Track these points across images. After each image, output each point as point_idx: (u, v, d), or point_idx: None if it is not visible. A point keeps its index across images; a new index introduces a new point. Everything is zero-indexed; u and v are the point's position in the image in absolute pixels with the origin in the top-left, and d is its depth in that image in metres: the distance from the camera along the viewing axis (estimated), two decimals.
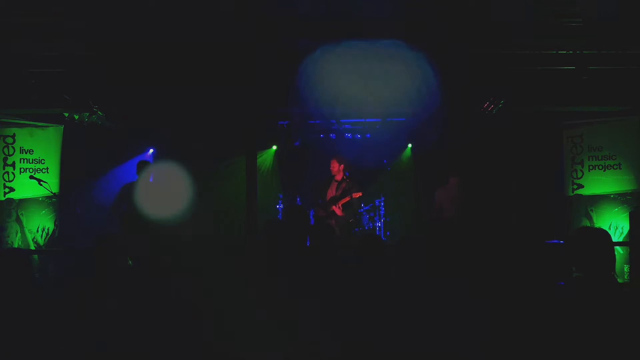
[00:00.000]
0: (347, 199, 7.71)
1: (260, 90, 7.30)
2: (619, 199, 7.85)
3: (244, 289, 3.21)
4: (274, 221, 4.29)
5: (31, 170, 7.83)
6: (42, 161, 8.00)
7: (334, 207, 7.70)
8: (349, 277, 3.60)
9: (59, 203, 8.05)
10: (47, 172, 7.98)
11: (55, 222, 8.03)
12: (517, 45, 6.92)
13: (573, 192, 8.16)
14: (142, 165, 7.26)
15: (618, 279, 7.09)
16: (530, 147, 8.43)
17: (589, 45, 6.90)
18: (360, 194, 7.93)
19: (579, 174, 8.12)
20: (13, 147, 7.85)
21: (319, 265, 3.73)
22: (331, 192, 7.82)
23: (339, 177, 7.81)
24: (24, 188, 7.82)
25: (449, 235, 7.18)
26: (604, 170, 7.96)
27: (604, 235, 3.04)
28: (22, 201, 7.85)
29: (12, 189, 7.81)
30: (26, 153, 7.92)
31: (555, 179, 8.45)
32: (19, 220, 7.82)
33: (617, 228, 7.76)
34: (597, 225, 7.81)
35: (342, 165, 7.83)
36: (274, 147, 10.08)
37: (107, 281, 3.64)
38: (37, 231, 7.92)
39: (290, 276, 3.42)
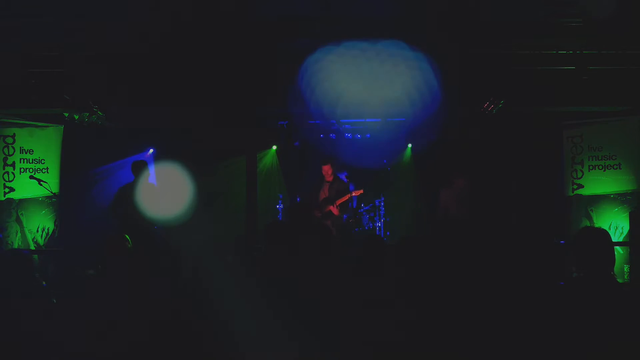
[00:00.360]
0: (347, 197, 7.74)
1: (261, 90, 7.30)
2: (619, 199, 7.84)
3: (244, 289, 3.21)
4: (274, 222, 4.29)
5: (31, 170, 7.83)
6: (42, 161, 8.00)
7: (330, 207, 7.70)
8: (350, 277, 3.60)
9: (59, 203, 8.04)
10: (47, 172, 7.97)
11: (55, 222, 8.02)
12: (517, 45, 6.93)
13: (573, 192, 8.16)
14: (138, 165, 7.24)
15: (618, 279, 7.10)
16: (530, 147, 8.43)
17: (589, 45, 6.91)
18: (361, 191, 7.95)
19: (579, 174, 8.12)
20: (13, 147, 7.85)
21: (319, 266, 3.73)
22: (324, 194, 7.82)
23: (330, 178, 7.82)
24: (24, 188, 7.82)
25: (456, 235, 7.18)
26: (604, 170, 7.96)
27: (604, 235, 3.04)
28: (22, 201, 7.85)
29: (12, 189, 7.81)
30: (26, 153, 7.91)
31: (555, 179, 8.45)
32: (19, 220, 7.82)
33: (617, 228, 7.76)
34: (597, 225, 7.80)
35: (334, 168, 7.88)
36: (274, 147, 10.08)
37: (111, 280, 3.64)
38: (37, 231, 7.91)
39: (290, 277, 3.43)
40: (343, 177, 8.96)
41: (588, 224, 7.85)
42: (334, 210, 7.68)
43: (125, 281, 3.65)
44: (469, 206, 7.42)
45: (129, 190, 7.13)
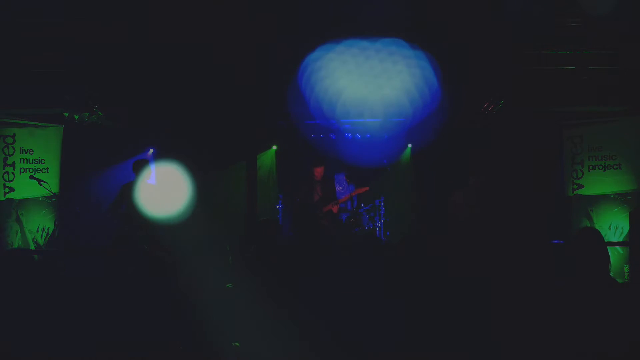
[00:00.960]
0: (351, 194, 7.81)
1: (260, 89, 7.30)
2: (619, 199, 7.84)
3: (243, 289, 3.21)
4: (267, 221, 4.26)
5: (31, 170, 7.82)
6: (42, 161, 7.99)
7: (332, 206, 7.70)
8: (347, 277, 3.60)
9: (59, 203, 8.04)
10: (47, 172, 7.97)
11: (55, 222, 8.02)
12: (517, 45, 6.93)
13: (573, 192, 8.15)
14: (140, 164, 7.22)
15: (618, 279, 7.09)
16: (530, 147, 8.43)
17: (589, 45, 6.91)
18: (366, 188, 7.98)
19: (579, 174, 8.11)
20: (13, 147, 7.84)
21: (316, 265, 3.73)
22: (317, 194, 7.80)
23: (319, 178, 7.82)
24: (24, 188, 7.81)
25: (469, 235, 7.16)
26: (604, 170, 7.95)
27: (596, 234, 3.06)
28: (22, 201, 7.84)
29: (12, 189, 7.80)
30: (26, 153, 7.91)
31: (555, 179, 8.44)
32: (19, 220, 7.81)
33: (617, 228, 7.75)
34: (597, 225, 7.80)
35: (326, 170, 7.91)
36: (274, 147, 10.08)
37: (114, 281, 3.64)
38: (37, 231, 7.91)
39: (287, 276, 3.43)
40: (342, 177, 8.97)
41: (588, 224, 7.84)
42: (335, 209, 7.70)
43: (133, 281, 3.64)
44: (484, 206, 7.40)
45: (130, 189, 7.12)
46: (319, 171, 7.78)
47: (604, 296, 2.86)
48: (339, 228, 7.82)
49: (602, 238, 3.09)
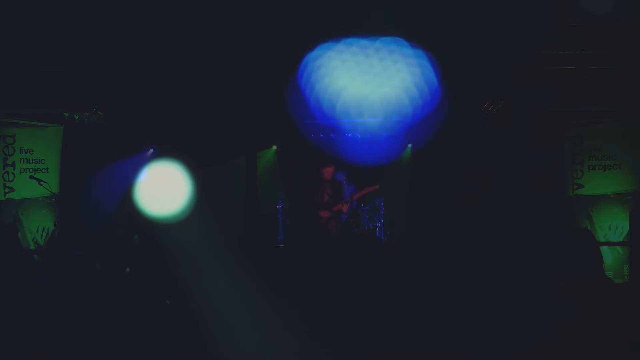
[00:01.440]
0: (365, 192, 7.84)
1: (260, 89, 7.30)
2: (619, 199, 7.85)
3: (242, 288, 3.21)
4: (264, 220, 4.24)
5: (31, 170, 7.83)
6: (42, 161, 8.00)
7: (343, 205, 7.69)
8: (346, 276, 3.60)
9: (59, 203, 8.04)
10: (47, 172, 7.98)
11: (55, 222, 8.02)
12: (517, 45, 6.92)
13: (573, 192, 8.16)
14: (148, 165, 7.25)
15: (618, 279, 7.10)
16: (530, 147, 8.43)
17: (589, 45, 6.91)
18: (377, 187, 8.01)
19: (579, 174, 8.12)
20: (13, 147, 7.85)
21: (315, 264, 3.73)
22: (327, 194, 7.78)
23: (329, 177, 7.80)
24: (24, 188, 7.82)
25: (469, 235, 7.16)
26: (604, 170, 7.96)
27: (589, 235, 3.08)
28: (22, 201, 7.85)
29: (12, 189, 7.81)
30: (26, 153, 7.92)
31: (555, 179, 8.44)
32: (19, 220, 7.82)
33: (617, 228, 7.76)
34: (597, 225, 7.82)
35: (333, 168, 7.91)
36: (274, 147, 10.08)
37: (110, 281, 3.64)
38: (37, 231, 7.92)
39: (287, 276, 3.43)
40: (342, 177, 8.96)
41: (588, 224, 7.85)
42: (345, 208, 7.71)
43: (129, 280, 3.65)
44: (484, 205, 7.39)
45: (135, 189, 7.14)
46: (329, 171, 7.76)
47: (600, 296, 2.86)
48: (342, 228, 7.82)
49: (595, 238, 3.11)
